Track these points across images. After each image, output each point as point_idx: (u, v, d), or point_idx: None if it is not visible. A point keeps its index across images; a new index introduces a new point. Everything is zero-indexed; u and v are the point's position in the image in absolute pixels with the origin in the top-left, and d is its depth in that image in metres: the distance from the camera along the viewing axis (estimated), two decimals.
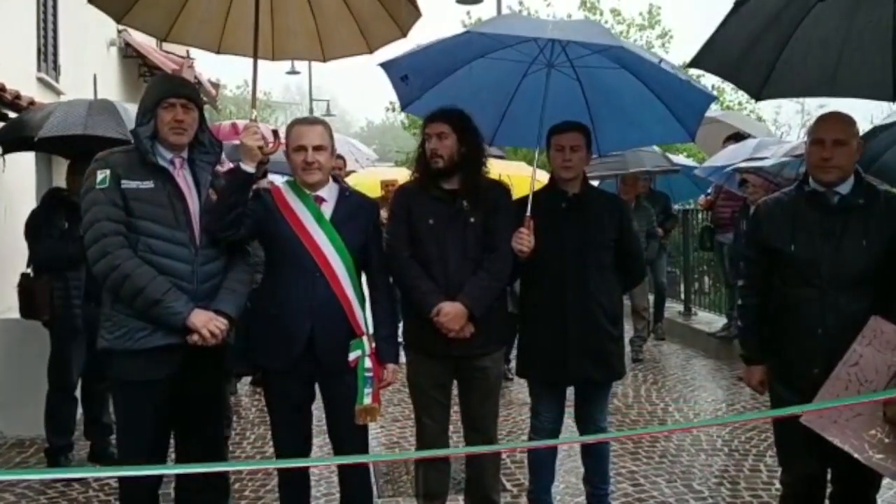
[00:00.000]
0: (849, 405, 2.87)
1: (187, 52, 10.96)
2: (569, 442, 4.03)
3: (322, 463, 3.86)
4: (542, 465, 3.98)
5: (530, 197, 3.68)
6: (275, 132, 3.42)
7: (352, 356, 3.34)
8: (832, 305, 3.04)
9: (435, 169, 3.59)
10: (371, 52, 4.05)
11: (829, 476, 3.24)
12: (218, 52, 4.07)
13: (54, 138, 4.57)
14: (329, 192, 3.44)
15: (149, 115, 3.18)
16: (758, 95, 3.64)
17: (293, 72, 28.88)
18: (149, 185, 3.13)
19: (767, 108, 20.61)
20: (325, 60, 4.18)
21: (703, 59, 3.51)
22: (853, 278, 3.03)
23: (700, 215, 9.42)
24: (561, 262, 3.68)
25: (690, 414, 6.16)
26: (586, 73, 3.98)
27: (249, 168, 3.26)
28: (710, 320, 9.10)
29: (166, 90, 3.22)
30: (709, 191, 8.52)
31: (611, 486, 4.14)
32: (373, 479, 4.71)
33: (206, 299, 3.17)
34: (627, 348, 8.27)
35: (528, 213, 3.62)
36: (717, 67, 3.60)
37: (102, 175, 3.09)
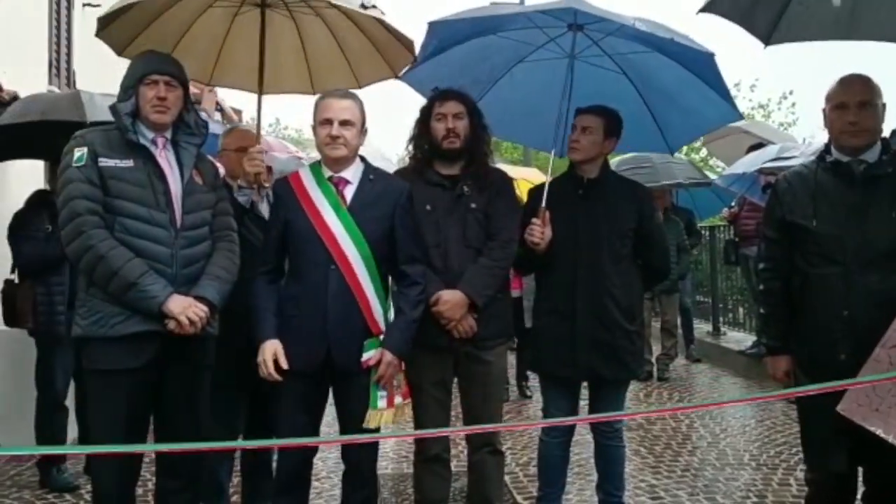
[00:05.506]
0: (890, 389, 2.59)
1: None
2: (579, 420, 3.65)
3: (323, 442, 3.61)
4: (551, 473, 3.72)
5: (546, 186, 3.48)
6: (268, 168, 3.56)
7: (365, 356, 3.09)
8: (859, 285, 2.78)
9: (449, 150, 3.41)
10: (360, 86, 3.93)
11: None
12: (209, 84, 4.04)
13: (38, 141, 4.45)
14: (353, 174, 3.22)
15: (130, 91, 3.03)
16: (767, 39, 3.40)
17: None
18: (128, 163, 2.97)
19: (802, 134, 20.35)
20: (314, 93, 4.03)
21: (716, 2, 3.31)
22: (881, 254, 2.78)
23: (725, 231, 9.11)
24: (574, 250, 3.47)
25: (717, 430, 5.83)
26: (624, 62, 3.79)
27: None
28: (740, 339, 8.76)
29: (149, 66, 3.06)
30: (732, 203, 8.21)
31: (627, 497, 3.87)
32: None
33: (188, 285, 2.98)
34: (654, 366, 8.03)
35: (544, 205, 3.42)
36: (729, 10, 3.37)
37: (80, 153, 2.94)
